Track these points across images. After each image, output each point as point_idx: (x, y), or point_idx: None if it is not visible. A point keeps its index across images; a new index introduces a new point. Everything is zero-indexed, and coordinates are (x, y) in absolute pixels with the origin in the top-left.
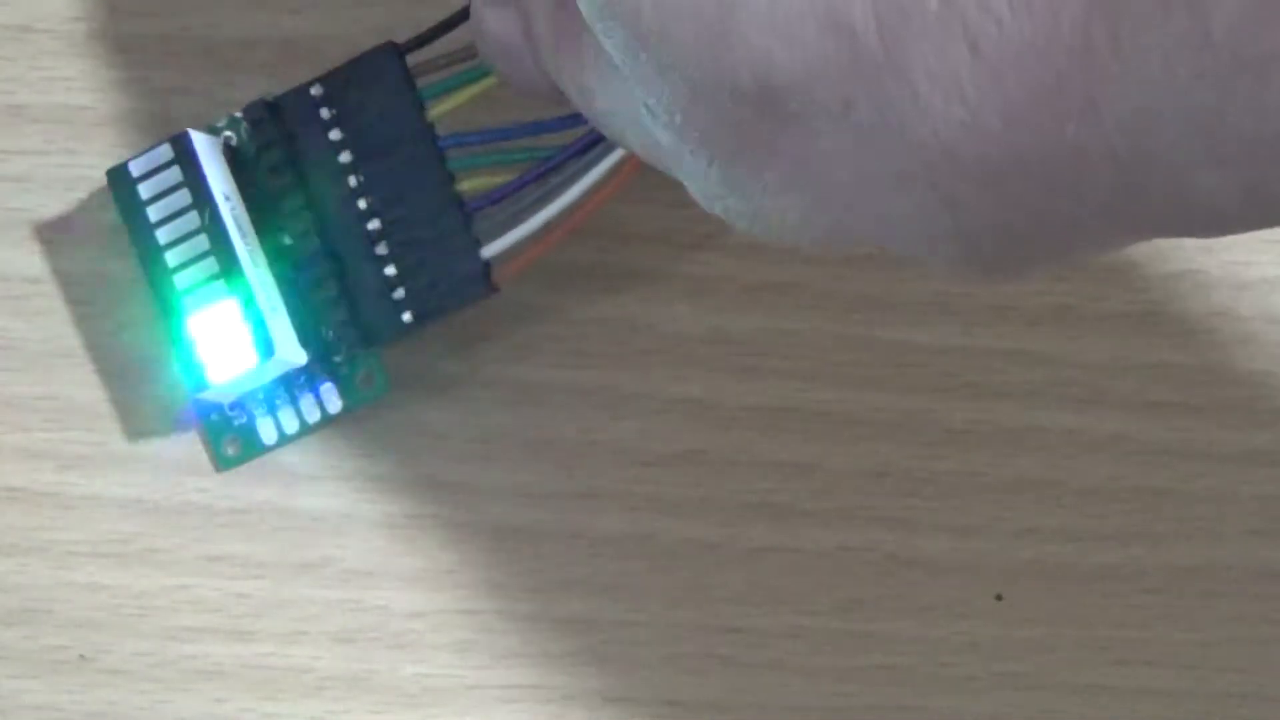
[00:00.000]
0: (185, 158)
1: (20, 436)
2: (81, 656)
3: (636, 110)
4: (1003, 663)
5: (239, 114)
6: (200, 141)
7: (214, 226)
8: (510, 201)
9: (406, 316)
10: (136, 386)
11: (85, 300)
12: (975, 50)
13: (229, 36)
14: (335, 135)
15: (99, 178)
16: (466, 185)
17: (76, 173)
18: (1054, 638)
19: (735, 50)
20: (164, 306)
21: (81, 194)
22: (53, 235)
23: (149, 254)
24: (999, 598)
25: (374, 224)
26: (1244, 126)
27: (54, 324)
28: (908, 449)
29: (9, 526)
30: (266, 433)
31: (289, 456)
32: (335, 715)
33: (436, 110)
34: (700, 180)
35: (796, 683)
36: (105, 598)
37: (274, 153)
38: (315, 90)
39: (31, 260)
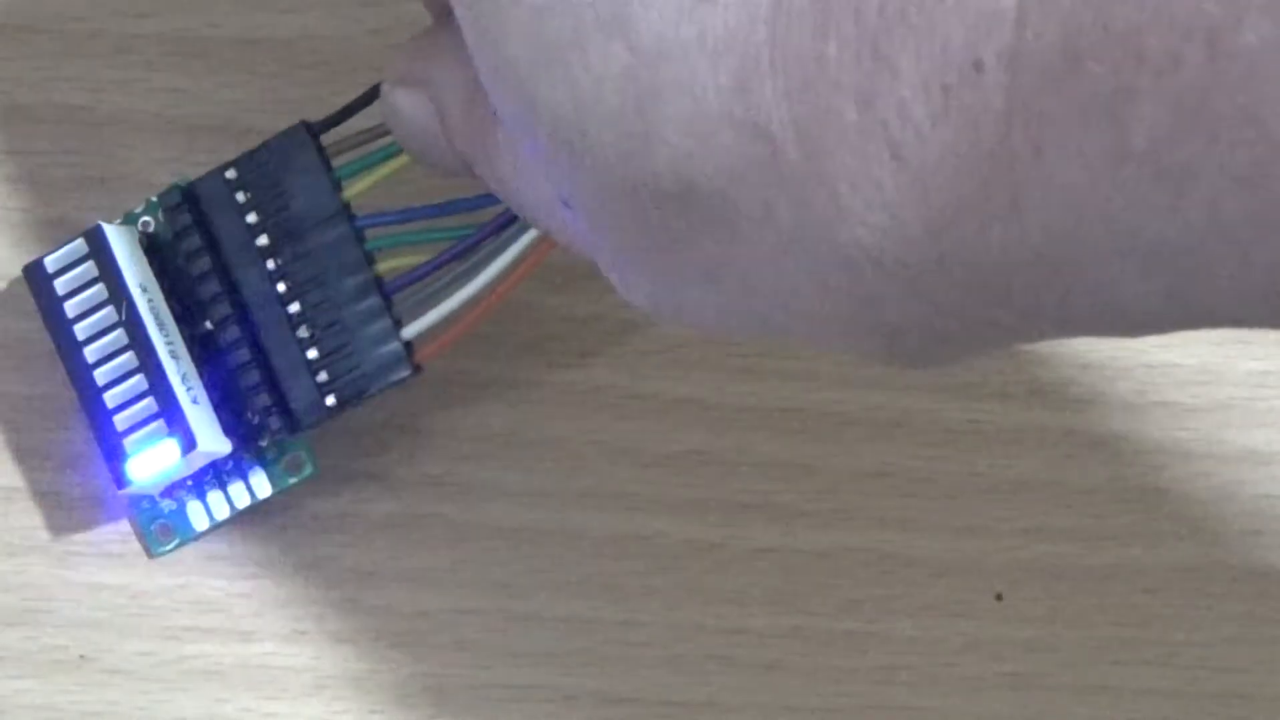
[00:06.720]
0: (99, 252)
1: (20, 436)
2: (81, 656)
3: (553, 201)
4: (1003, 663)
5: (156, 198)
6: (114, 235)
7: (131, 321)
8: (429, 281)
9: (330, 400)
10: None
11: None
12: (897, 157)
13: (229, 36)
14: (251, 218)
15: (100, 178)
16: (385, 265)
17: (77, 173)
18: (1054, 638)
19: (655, 152)
20: (85, 403)
21: (80, 194)
22: (52, 234)
23: (68, 349)
24: (999, 598)
25: (294, 307)
26: (1163, 234)
27: None
28: (908, 449)
29: (9, 526)
30: (197, 519)
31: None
32: (335, 715)
33: (352, 190)
34: (618, 271)
35: (796, 683)
36: (105, 598)
37: (191, 238)
38: (230, 174)
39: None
